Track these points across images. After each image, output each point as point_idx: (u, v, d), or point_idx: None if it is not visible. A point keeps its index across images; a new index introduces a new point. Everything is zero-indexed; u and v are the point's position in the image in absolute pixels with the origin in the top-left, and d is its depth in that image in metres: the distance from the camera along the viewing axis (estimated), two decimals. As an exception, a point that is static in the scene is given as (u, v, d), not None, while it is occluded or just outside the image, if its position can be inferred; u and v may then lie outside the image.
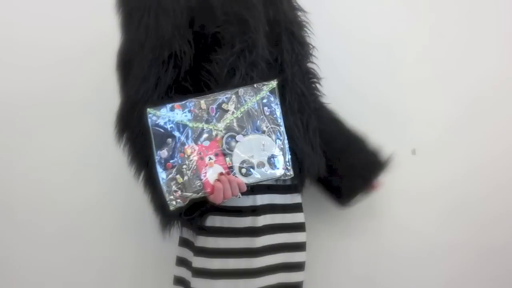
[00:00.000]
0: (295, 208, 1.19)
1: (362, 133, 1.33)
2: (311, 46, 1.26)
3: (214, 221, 1.07)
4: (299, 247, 1.17)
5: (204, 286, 1.05)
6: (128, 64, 1.05)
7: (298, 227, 1.18)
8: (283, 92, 1.13)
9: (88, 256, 1.44)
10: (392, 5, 1.52)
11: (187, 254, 1.13)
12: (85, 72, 1.43)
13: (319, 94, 1.29)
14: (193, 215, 1.03)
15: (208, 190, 0.96)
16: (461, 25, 1.50)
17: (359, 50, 1.51)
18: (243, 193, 1.00)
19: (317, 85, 1.28)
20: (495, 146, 1.48)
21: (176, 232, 1.11)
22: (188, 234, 1.12)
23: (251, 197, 1.08)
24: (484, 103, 1.48)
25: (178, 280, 1.17)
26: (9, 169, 1.43)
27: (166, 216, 1.04)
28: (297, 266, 1.16)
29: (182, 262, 1.16)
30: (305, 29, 1.25)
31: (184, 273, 1.14)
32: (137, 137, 1.02)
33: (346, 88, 1.49)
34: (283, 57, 1.15)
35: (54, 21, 1.43)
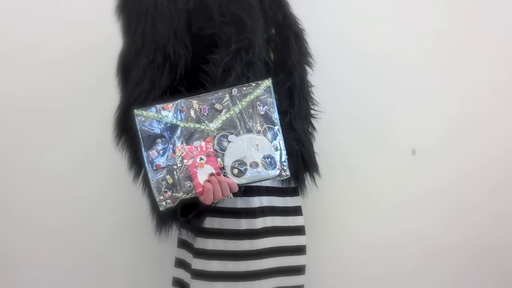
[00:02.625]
0: (295, 211, 1.17)
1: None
2: (310, 53, 1.25)
3: (213, 223, 1.06)
4: (299, 250, 1.16)
5: None
6: (127, 69, 1.06)
7: (298, 230, 1.16)
8: (291, 96, 1.13)
9: (85, 257, 1.45)
10: (393, 5, 1.50)
11: (186, 255, 1.13)
12: (85, 73, 1.44)
13: (313, 101, 1.25)
14: (189, 216, 1.02)
15: (198, 190, 0.95)
16: (462, 27, 1.49)
17: (359, 51, 1.49)
18: (235, 194, 0.99)
19: (312, 93, 1.25)
20: (495, 147, 1.47)
21: (174, 234, 1.11)
22: (186, 235, 1.12)
23: (250, 199, 1.07)
24: (484, 104, 1.47)
25: (177, 282, 1.17)
26: (8, 170, 1.44)
27: (161, 217, 1.04)
28: (298, 270, 1.15)
29: (180, 263, 1.16)
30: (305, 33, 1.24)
31: (183, 274, 1.14)
32: (133, 140, 1.02)
33: (346, 89, 1.48)
34: (291, 60, 1.15)
35: (53, 22, 1.44)
